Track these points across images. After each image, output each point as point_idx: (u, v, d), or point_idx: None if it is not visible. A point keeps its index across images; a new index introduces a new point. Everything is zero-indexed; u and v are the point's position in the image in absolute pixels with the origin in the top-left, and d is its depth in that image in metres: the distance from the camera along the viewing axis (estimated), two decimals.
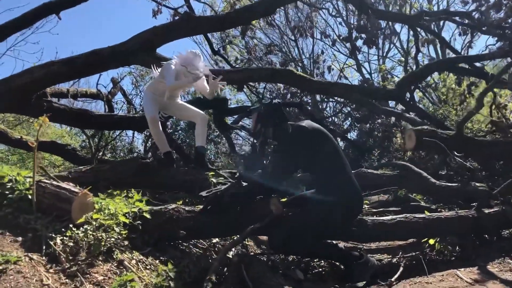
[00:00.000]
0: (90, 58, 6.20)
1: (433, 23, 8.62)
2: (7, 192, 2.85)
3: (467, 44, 9.43)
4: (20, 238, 2.57)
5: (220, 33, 11.88)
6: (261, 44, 13.80)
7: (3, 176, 2.94)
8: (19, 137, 7.50)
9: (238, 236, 3.04)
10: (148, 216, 2.89)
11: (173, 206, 3.05)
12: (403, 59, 14.76)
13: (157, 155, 6.26)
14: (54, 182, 2.92)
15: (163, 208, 3.03)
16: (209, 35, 10.52)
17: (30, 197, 2.80)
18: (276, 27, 13.65)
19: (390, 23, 10.71)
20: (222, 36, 11.44)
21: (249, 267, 2.74)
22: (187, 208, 3.07)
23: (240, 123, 11.11)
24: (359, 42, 11.09)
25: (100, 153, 9.11)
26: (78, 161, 8.07)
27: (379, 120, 10.71)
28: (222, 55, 11.29)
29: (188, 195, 5.01)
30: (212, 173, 4.94)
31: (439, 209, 4.53)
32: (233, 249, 3.17)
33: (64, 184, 2.89)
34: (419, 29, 8.67)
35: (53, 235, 2.61)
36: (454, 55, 8.56)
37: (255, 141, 3.71)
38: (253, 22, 11.16)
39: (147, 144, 11.84)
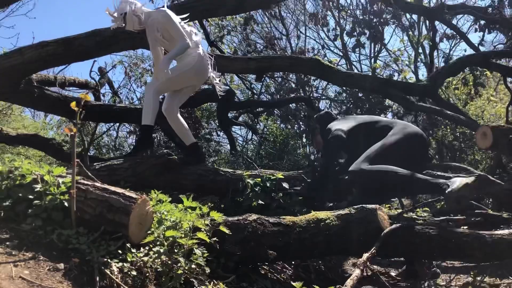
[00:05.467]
0: (90, 39, 5.37)
1: (448, 17, 8.11)
2: (31, 197, 2.05)
3: (479, 42, 9.01)
4: (62, 265, 1.78)
5: (216, 26, 11.10)
6: (258, 41, 13.06)
7: (25, 174, 2.13)
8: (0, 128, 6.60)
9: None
10: (226, 231, 2.14)
11: (254, 217, 2.31)
12: (398, 58, 14.36)
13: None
14: (98, 184, 2.13)
15: (241, 219, 2.28)
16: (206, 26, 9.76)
17: (66, 204, 2.01)
18: (279, 19, 12.89)
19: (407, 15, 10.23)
20: (220, 29, 10.64)
21: None
22: (271, 220, 2.34)
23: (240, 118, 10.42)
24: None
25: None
26: (62, 157, 7.20)
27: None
28: (218, 46, 10.52)
29: (218, 198, 4.26)
30: (247, 173, 4.23)
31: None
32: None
33: (112, 187, 2.11)
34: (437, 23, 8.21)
35: (108, 259, 1.83)
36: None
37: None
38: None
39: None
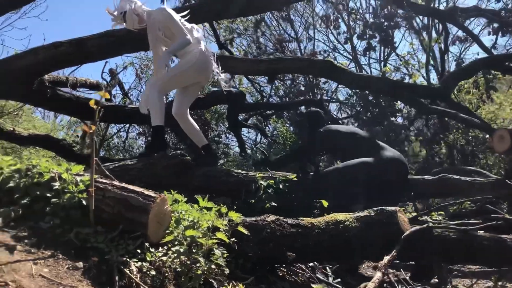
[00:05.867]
0: (103, 40, 5.37)
1: (461, 20, 8.04)
2: (49, 195, 2.03)
3: (492, 45, 8.92)
4: (81, 264, 1.76)
5: (225, 29, 11.08)
6: (267, 44, 13.03)
7: (43, 172, 2.12)
8: (12, 129, 6.62)
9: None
10: (245, 231, 2.11)
11: (273, 218, 2.28)
12: (408, 62, 14.28)
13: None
14: (116, 183, 2.11)
15: (259, 220, 2.25)
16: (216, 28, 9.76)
17: (84, 202, 1.99)
18: (287, 22, 12.84)
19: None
20: (230, 31, 10.63)
21: None
22: (290, 221, 2.31)
23: (250, 121, 10.40)
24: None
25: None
26: (72, 158, 7.22)
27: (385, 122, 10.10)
28: (228, 49, 10.52)
29: (230, 200, 4.23)
30: (260, 174, 4.20)
31: None
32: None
33: (130, 186, 2.09)
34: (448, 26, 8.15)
35: (127, 259, 1.81)
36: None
37: None
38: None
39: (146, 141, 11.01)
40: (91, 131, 2.02)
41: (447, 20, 7.80)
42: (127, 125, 10.76)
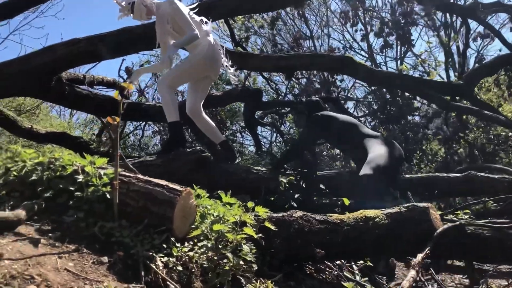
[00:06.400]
0: (120, 36, 5.35)
1: (483, 16, 7.85)
2: (72, 188, 1.99)
3: None
4: (105, 258, 1.71)
5: (239, 28, 11.03)
6: (282, 42, 12.95)
7: (65, 166, 2.07)
8: (30, 126, 6.65)
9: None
10: (271, 227, 2.04)
11: (300, 213, 2.20)
12: (425, 60, 14.06)
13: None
14: (140, 176, 2.06)
15: (286, 216, 2.18)
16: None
17: (108, 196, 1.94)
18: (302, 20, 12.74)
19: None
20: (245, 30, 10.57)
21: None
22: (318, 217, 2.23)
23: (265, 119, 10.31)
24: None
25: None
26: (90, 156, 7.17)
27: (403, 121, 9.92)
28: (243, 47, 10.46)
29: (249, 197, 4.16)
30: None
31: None
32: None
33: (155, 180, 2.04)
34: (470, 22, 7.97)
35: (153, 254, 1.75)
36: None
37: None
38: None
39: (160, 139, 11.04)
40: (115, 122, 1.97)
41: (468, 16, 7.63)
42: (143, 123, 10.82)
